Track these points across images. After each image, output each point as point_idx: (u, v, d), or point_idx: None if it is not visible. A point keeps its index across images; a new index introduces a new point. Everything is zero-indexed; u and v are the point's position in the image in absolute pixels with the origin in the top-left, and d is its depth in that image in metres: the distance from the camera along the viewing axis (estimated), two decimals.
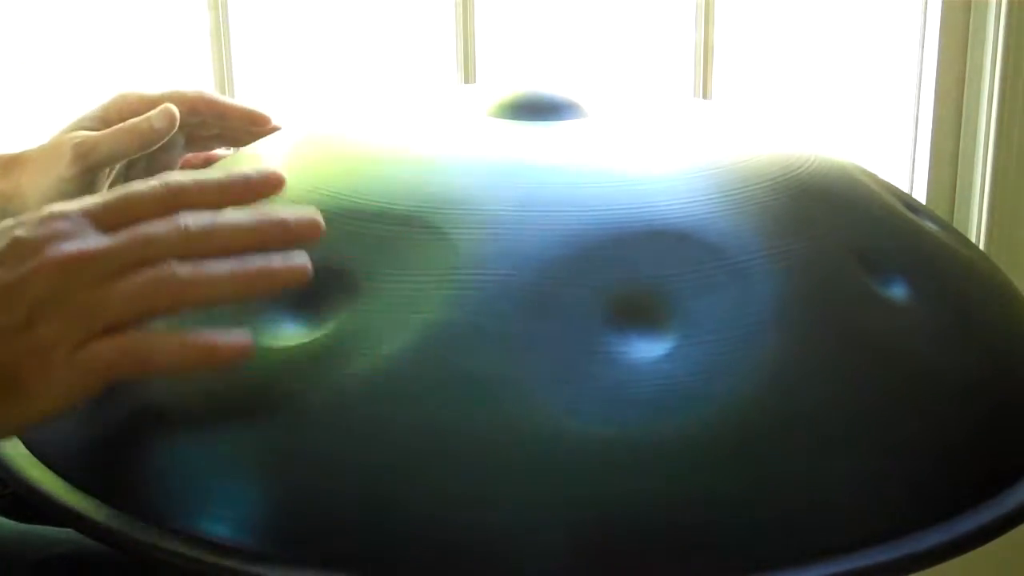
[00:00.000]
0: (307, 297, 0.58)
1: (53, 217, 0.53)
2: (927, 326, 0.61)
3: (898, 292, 0.61)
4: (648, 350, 0.55)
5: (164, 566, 0.54)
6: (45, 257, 0.52)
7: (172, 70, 1.25)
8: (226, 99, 0.86)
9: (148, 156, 0.83)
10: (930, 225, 0.69)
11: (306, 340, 0.56)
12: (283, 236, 0.55)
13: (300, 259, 0.54)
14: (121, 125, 0.80)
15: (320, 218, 0.55)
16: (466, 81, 1.24)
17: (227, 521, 0.54)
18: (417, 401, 0.54)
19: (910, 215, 0.68)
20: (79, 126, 0.82)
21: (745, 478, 0.53)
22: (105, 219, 0.54)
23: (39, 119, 1.22)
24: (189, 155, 0.87)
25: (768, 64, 1.28)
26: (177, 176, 0.56)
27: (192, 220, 0.54)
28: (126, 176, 0.84)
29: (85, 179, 0.80)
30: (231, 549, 0.53)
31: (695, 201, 0.61)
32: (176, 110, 0.80)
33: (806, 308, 0.58)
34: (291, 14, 1.24)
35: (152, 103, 0.81)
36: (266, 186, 0.57)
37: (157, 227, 0.53)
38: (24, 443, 0.62)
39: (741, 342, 0.56)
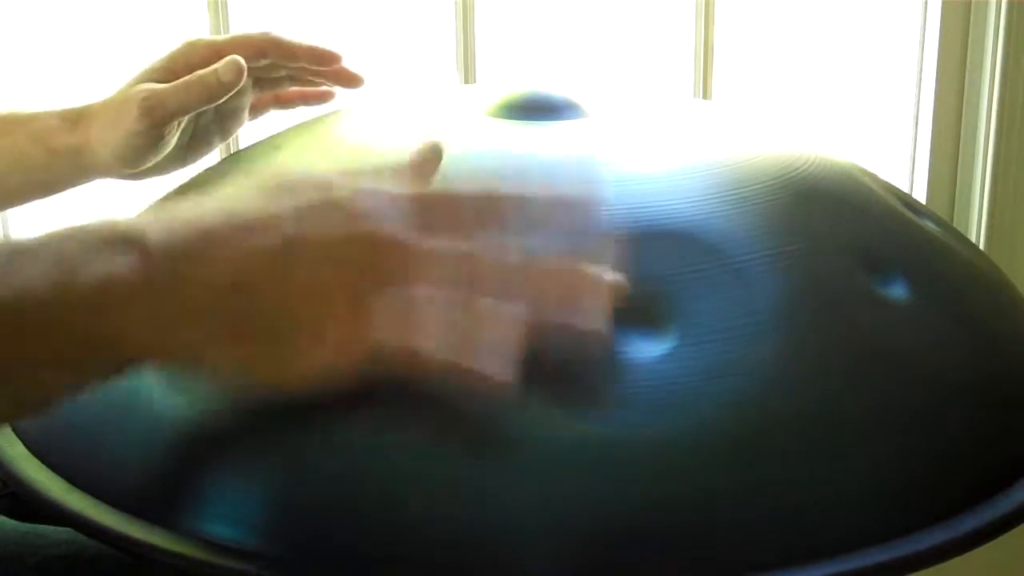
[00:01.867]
0: None
1: (374, 193, 0.51)
2: (926, 326, 0.61)
3: (898, 292, 0.61)
4: (648, 350, 0.55)
5: (164, 566, 0.54)
6: (360, 227, 0.50)
7: None
8: (293, 39, 0.84)
9: None
10: (930, 225, 0.69)
11: None
12: (589, 291, 0.52)
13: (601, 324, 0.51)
14: (188, 78, 0.78)
15: (622, 281, 0.52)
16: (466, 81, 1.24)
17: (228, 521, 0.54)
18: (416, 401, 0.54)
19: (910, 215, 0.68)
20: (146, 77, 0.80)
21: (745, 478, 0.53)
22: (421, 210, 0.51)
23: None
24: (256, 97, 0.86)
25: (768, 64, 1.28)
26: (498, 186, 0.53)
27: (504, 253, 0.51)
28: (195, 121, 0.83)
29: (154, 133, 0.79)
30: (231, 549, 0.53)
31: (695, 201, 0.61)
32: (243, 62, 0.77)
33: (806, 308, 0.58)
34: (291, 14, 1.24)
35: (219, 51, 0.79)
36: (586, 209, 0.54)
37: (471, 246, 0.51)
38: (24, 443, 0.62)
39: (741, 342, 0.56)
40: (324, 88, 0.86)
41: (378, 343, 0.49)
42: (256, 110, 0.87)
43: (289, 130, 0.77)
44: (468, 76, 1.23)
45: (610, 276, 0.52)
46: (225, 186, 0.53)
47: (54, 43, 1.26)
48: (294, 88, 0.87)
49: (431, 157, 0.56)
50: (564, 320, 0.51)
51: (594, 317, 0.51)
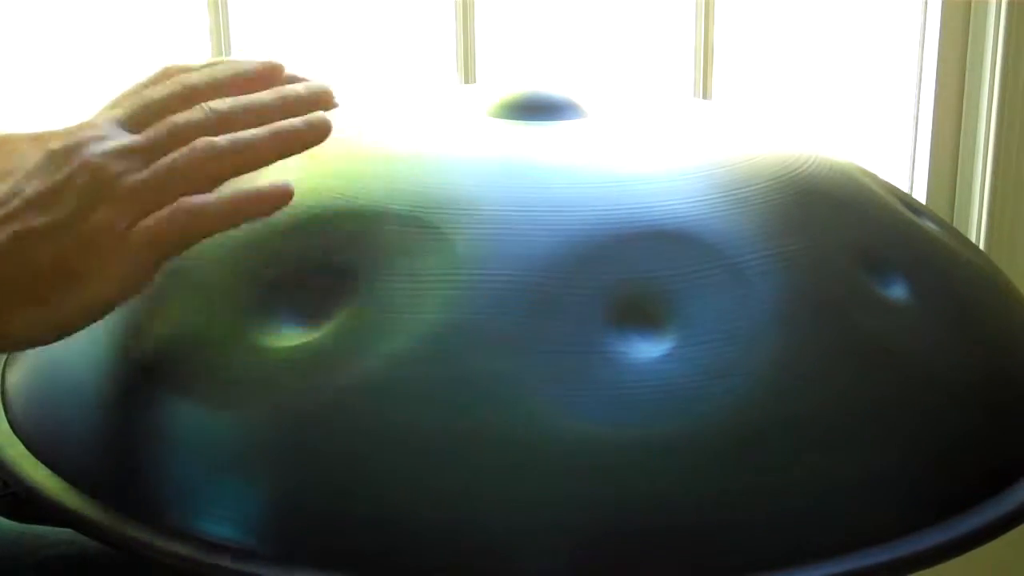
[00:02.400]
0: (307, 297, 0.58)
1: (83, 127, 0.56)
2: (927, 326, 0.61)
3: (898, 292, 0.61)
4: (648, 350, 0.55)
5: (164, 566, 0.54)
6: (84, 157, 0.54)
7: None
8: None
9: None
10: (930, 225, 0.69)
11: (306, 340, 0.56)
12: (302, 106, 0.58)
13: (319, 118, 0.58)
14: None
15: (331, 88, 0.60)
16: (466, 81, 1.24)
17: (227, 521, 0.54)
18: (417, 401, 0.54)
19: (910, 215, 0.68)
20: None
21: (744, 478, 0.53)
22: (132, 122, 0.57)
23: (38, 119, 1.22)
24: None
25: (768, 64, 1.28)
26: (188, 76, 0.59)
27: (216, 104, 0.57)
28: None
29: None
30: (231, 549, 0.53)
31: (695, 201, 0.61)
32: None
33: (806, 308, 0.58)
34: (291, 14, 1.24)
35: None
36: (270, 73, 0.60)
37: (185, 115, 0.56)
38: (24, 443, 0.62)
39: (741, 342, 0.56)
40: None
41: (149, 238, 0.54)
42: None
43: None
44: (468, 76, 1.24)
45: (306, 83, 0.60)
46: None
47: (54, 42, 1.26)
48: None
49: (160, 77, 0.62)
50: (292, 124, 0.57)
51: (310, 114, 0.58)
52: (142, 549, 0.54)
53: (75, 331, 0.56)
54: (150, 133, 0.56)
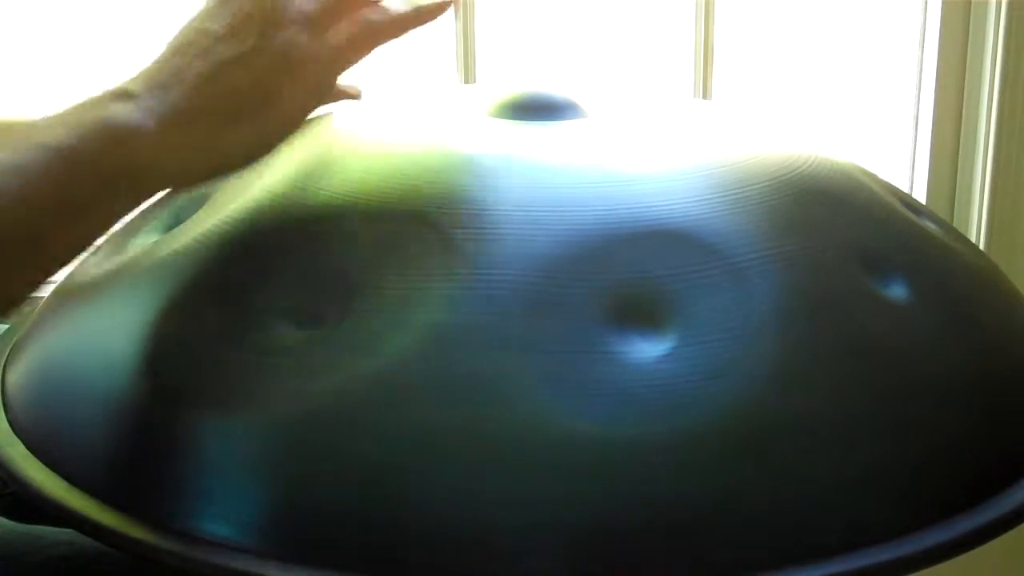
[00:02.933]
0: (307, 297, 0.58)
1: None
2: (927, 326, 0.61)
3: (898, 292, 0.61)
4: (648, 350, 0.55)
5: (164, 566, 0.54)
6: None
7: None
8: None
9: None
10: (930, 225, 0.69)
11: (306, 340, 0.56)
12: None
13: None
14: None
15: None
16: (466, 81, 1.24)
17: (227, 521, 0.54)
18: (417, 401, 0.54)
19: (910, 215, 0.68)
20: None
21: (745, 478, 0.53)
22: None
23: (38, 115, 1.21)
24: None
25: (768, 64, 1.28)
26: None
27: None
28: None
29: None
30: (231, 549, 0.53)
31: (695, 201, 0.61)
32: None
33: (806, 308, 0.58)
34: None
35: None
36: None
37: None
38: (24, 443, 0.62)
39: (741, 342, 0.56)
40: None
41: (334, 47, 0.61)
42: None
43: None
44: (468, 76, 1.23)
45: None
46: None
47: (54, 42, 1.26)
48: None
49: None
50: None
51: None
52: (142, 549, 0.54)
53: (278, 144, 0.61)
54: None
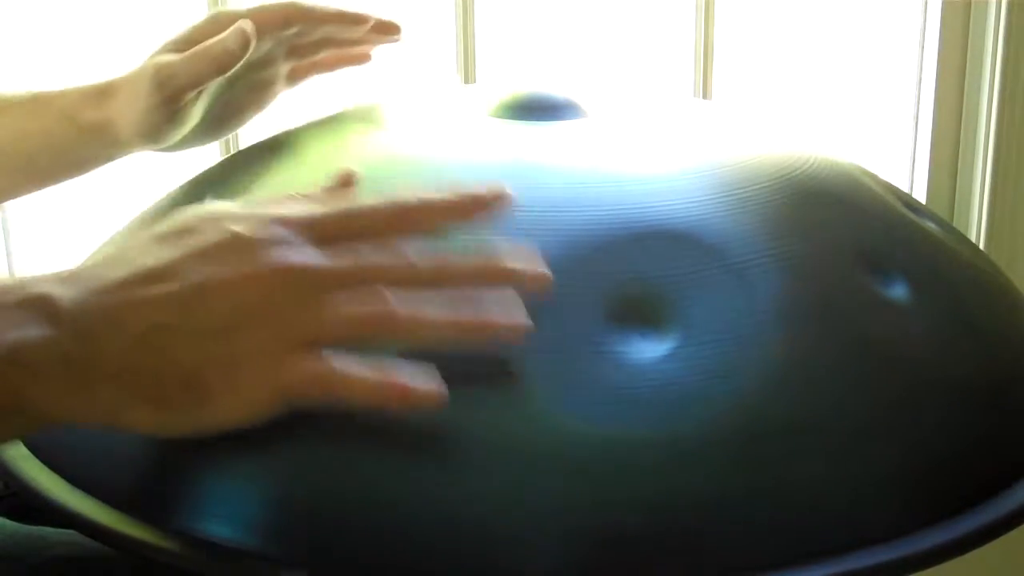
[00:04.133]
0: None
1: (275, 221, 0.50)
2: (927, 326, 0.61)
3: (898, 292, 0.61)
4: (648, 350, 0.55)
5: (165, 566, 0.54)
6: (262, 262, 0.49)
7: None
8: (319, 5, 0.81)
9: (247, 71, 0.79)
10: (930, 225, 0.69)
11: None
12: (508, 282, 0.52)
13: (520, 316, 0.51)
14: (196, 49, 0.75)
15: (548, 272, 0.53)
16: (466, 81, 1.24)
17: (227, 521, 0.54)
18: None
19: (910, 215, 0.68)
20: (165, 49, 0.78)
21: (745, 478, 0.53)
22: (326, 232, 0.51)
23: None
24: (295, 65, 0.84)
25: (768, 64, 1.28)
26: (403, 194, 0.53)
27: (416, 259, 0.51)
28: (226, 92, 0.80)
29: (170, 107, 0.76)
30: (231, 549, 0.53)
31: (695, 201, 0.61)
32: (250, 29, 0.74)
33: (806, 308, 0.58)
34: None
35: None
36: (496, 204, 0.54)
37: (382, 257, 0.51)
38: (25, 443, 0.62)
39: (741, 342, 0.56)
40: (360, 50, 0.85)
41: (292, 382, 0.49)
42: (295, 78, 0.85)
43: (289, 131, 0.77)
44: (468, 76, 1.23)
45: (526, 265, 0.52)
46: (128, 235, 0.53)
47: (53, 41, 1.26)
48: (330, 53, 0.85)
49: (345, 183, 0.56)
50: (482, 319, 0.51)
51: (514, 310, 0.51)
52: (143, 550, 0.54)
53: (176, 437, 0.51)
54: (341, 263, 0.50)
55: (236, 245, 0.49)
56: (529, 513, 0.52)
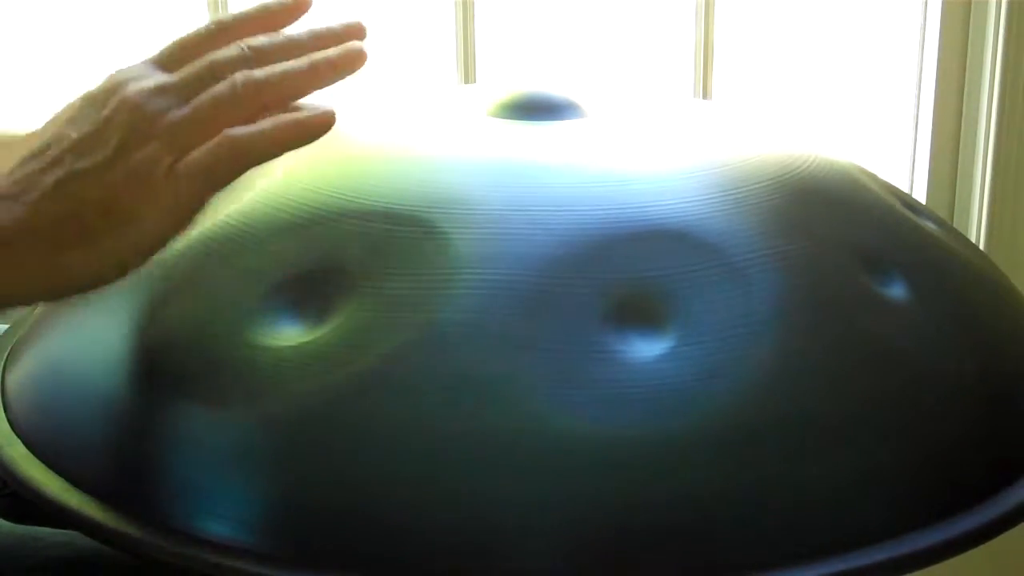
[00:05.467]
0: (307, 296, 0.58)
1: (119, 71, 0.57)
2: (926, 325, 0.61)
3: (897, 292, 0.61)
4: (647, 349, 0.55)
5: (164, 566, 0.54)
6: (122, 96, 0.55)
7: None
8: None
9: None
10: (930, 225, 0.69)
11: (306, 340, 0.56)
12: (335, 40, 0.58)
13: (354, 46, 0.59)
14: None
15: (363, 23, 0.60)
16: (466, 81, 1.24)
17: (227, 521, 0.54)
18: (416, 401, 0.54)
19: (910, 215, 0.68)
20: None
21: (744, 477, 0.53)
22: (169, 61, 0.57)
23: (34, 118, 1.22)
24: None
25: (768, 64, 1.28)
26: (219, 18, 0.59)
27: (251, 40, 0.57)
28: None
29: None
30: (231, 549, 0.53)
31: (695, 201, 0.61)
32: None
33: (805, 308, 0.58)
34: None
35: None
36: (297, 8, 0.60)
37: (222, 52, 0.57)
38: (24, 443, 0.62)
39: (740, 342, 0.56)
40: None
41: (201, 164, 0.54)
42: None
43: None
44: (468, 76, 1.23)
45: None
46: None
47: (53, 41, 1.26)
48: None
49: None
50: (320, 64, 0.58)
51: (343, 48, 0.59)
52: (142, 549, 0.54)
53: (133, 269, 0.56)
54: (188, 70, 0.56)
55: (94, 99, 0.56)
56: (527, 511, 0.52)
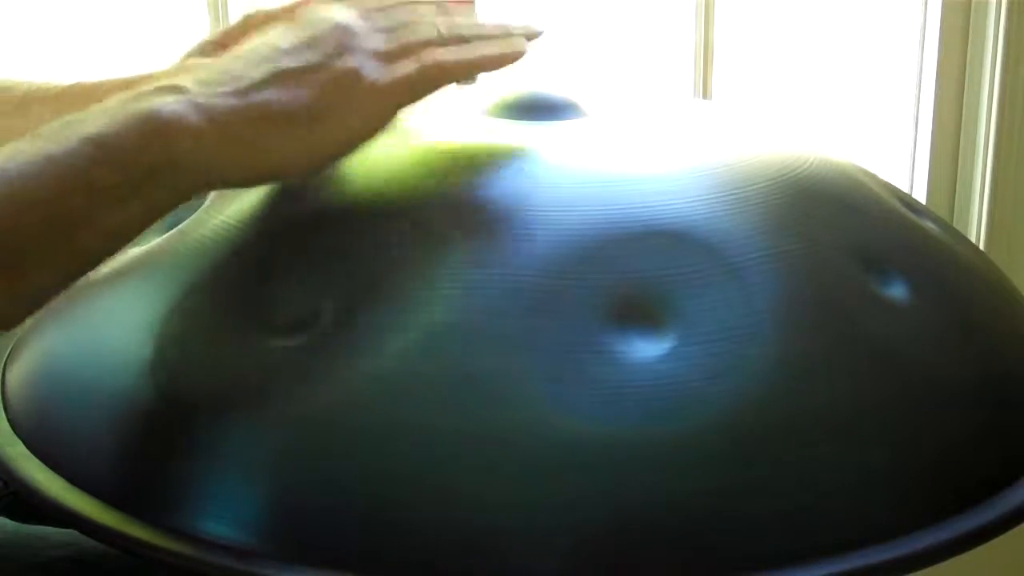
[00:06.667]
0: (309, 298, 0.58)
1: (321, 5, 0.62)
2: (926, 326, 0.61)
3: (897, 292, 0.61)
4: (647, 350, 0.55)
5: (165, 566, 0.54)
6: (332, 21, 0.60)
7: None
8: None
9: None
10: (930, 225, 0.69)
11: (306, 340, 0.56)
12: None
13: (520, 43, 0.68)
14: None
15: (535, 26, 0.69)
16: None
17: (227, 521, 0.54)
18: (416, 400, 0.54)
19: (910, 215, 0.68)
20: (199, 51, 0.78)
21: (744, 477, 0.53)
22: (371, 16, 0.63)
23: None
24: None
25: (768, 64, 1.28)
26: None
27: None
28: None
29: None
30: (231, 549, 0.53)
31: (694, 201, 0.61)
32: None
33: (805, 308, 0.58)
34: None
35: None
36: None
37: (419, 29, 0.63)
38: (24, 443, 0.62)
39: (740, 342, 0.56)
40: None
41: (403, 82, 0.60)
42: None
43: None
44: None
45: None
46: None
47: (53, 41, 1.26)
48: None
49: None
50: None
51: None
52: (142, 549, 0.54)
53: (323, 165, 0.60)
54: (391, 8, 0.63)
55: (308, 19, 0.61)
56: (528, 512, 0.52)
